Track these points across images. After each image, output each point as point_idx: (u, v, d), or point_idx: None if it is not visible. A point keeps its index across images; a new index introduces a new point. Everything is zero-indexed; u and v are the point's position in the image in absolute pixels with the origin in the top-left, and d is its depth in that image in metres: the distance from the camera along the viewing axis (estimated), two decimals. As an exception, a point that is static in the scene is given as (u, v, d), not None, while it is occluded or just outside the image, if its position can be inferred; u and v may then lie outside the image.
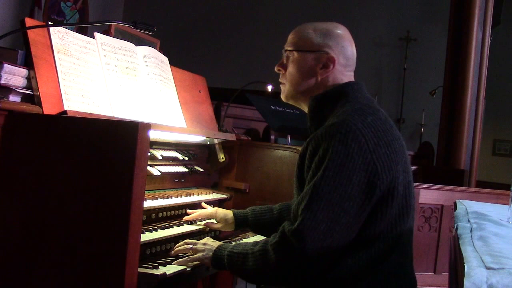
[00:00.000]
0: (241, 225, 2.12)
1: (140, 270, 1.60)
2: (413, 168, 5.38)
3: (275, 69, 1.83)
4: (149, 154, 2.01)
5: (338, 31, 1.76)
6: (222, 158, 2.56)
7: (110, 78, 1.99)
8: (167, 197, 2.07)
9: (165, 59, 2.39)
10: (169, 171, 2.19)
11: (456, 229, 1.59)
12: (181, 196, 2.18)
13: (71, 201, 1.53)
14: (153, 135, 2.03)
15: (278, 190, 2.49)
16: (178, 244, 1.86)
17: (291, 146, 2.60)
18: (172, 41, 6.98)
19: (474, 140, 5.38)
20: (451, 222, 3.72)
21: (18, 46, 1.98)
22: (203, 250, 1.76)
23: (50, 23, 1.97)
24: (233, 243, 1.79)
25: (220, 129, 2.73)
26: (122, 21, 2.25)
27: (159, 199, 2.01)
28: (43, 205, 1.55)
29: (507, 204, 1.87)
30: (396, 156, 1.57)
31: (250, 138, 3.12)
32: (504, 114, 8.21)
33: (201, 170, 2.41)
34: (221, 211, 2.16)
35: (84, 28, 5.99)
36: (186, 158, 2.31)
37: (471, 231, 1.45)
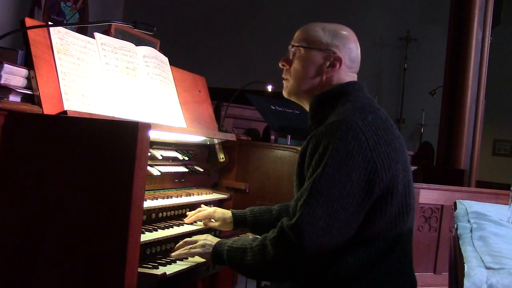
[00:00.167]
0: (240, 225, 2.12)
1: (140, 270, 1.60)
2: (413, 168, 5.38)
3: (280, 64, 1.84)
4: (149, 154, 2.01)
5: (346, 33, 1.78)
6: (222, 158, 2.56)
7: (110, 78, 1.99)
8: (167, 197, 2.07)
9: (165, 59, 2.39)
10: (169, 171, 2.19)
11: (456, 229, 1.59)
12: (181, 196, 2.18)
13: (71, 201, 1.53)
14: (153, 135, 2.03)
15: (278, 190, 2.49)
16: (178, 244, 1.86)
17: (291, 146, 2.60)
18: (172, 41, 6.98)
19: (474, 140, 5.38)
20: (451, 222, 3.72)
21: (18, 46, 1.98)
22: (203, 246, 1.77)
23: (50, 23, 1.97)
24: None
25: (220, 129, 2.73)
26: (122, 21, 2.25)
27: (159, 199, 2.01)
28: (43, 205, 1.55)
29: (507, 204, 1.87)
30: (396, 155, 1.57)
31: (250, 138, 3.12)
32: (504, 114, 8.21)
33: (201, 170, 2.41)
34: (220, 211, 2.17)
35: (84, 28, 5.99)
36: (186, 158, 2.31)
37: (471, 231, 1.45)
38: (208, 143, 2.54)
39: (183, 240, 1.86)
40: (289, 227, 1.51)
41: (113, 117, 1.89)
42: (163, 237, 1.87)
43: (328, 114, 1.68)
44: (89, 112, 1.80)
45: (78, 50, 1.90)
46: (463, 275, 0.99)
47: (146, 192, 1.90)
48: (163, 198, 2.04)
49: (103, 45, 2.03)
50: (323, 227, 1.48)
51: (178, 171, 2.26)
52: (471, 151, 5.36)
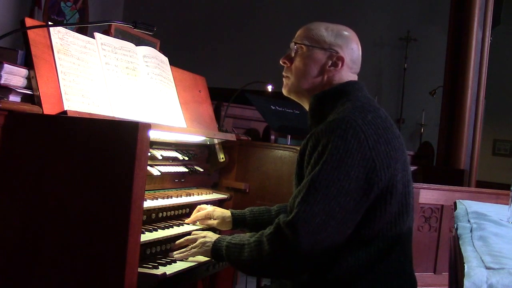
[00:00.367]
0: (239, 225, 2.13)
1: (140, 270, 1.60)
2: (413, 168, 5.39)
3: (281, 61, 1.83)
4: (149, 154, 2.01)
5: (348, 34, 1.79)
6: (222, 158, 2.56)
7: (110, 78, 1.99)
8: (167, 197, 2.07)
9: (165, 59, 2.39)
10: (169, 171, 2.19)
11: (456, 229, 1.59)
12: (181, 196, 2.18)
13: (71, 201, 1.53)
14: (153, 135, 2.03)
15: (278, 190, 2.49)
16: (179, 241, 1.87)
17: (291, 146, 2.60)
18: (172, 41, 6.98)
19: (474, 140, 5.38)
20: (451, 222, 3.72)
21: (18, 46, 1.98)
22: (203, 243, 1.78)
23: (50, 23, 1.97)
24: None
25: (220, 129, 2.73)
26: (122, 21, 2.25)
27: (159, 199, 2.01)
28: (43, 205, 1.55)
29: (507, 204, 1.87)
30: (395, 154, 1.57)
31: (250, 138, 3.12)
32: (504, 114, 8.21)
33: (201, 170, 2.41)
34: (219, 210, 2.17)
35: (84, 28, 5.99)
36: (186, 158, 2.31)
37: (471, 231, 1.45)
38: (208, 143, 2.54)
39: (184, 238, 1.87)
40: (285, 224, 1.51)
41: (113, 117, 1.89)
42: (163, 237, 1.87)
43: (328, 113, 1.68)
44: (89, 112, 1.80)
45: (78, 50, 1.90)
46: (463, 275, 0.99)
47: (146, 192, 1.90)
48: (163, 198, 2.04)
49: (103, 45, 2.03)
50: (319, 224, 1.47)
51: (178, 171, 2.26)
52: (471, 151, 5.36)
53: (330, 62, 1.74)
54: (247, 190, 2.57)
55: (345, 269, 1.55)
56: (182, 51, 7.30)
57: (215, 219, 2.14)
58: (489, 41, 5.48)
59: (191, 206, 2.23)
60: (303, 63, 1.77)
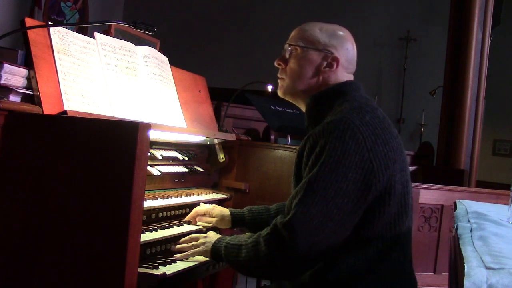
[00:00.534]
0: (238, 224, 2.12)
1: (140, 270, 1.60)
2: (413, 168, 5.39)
3: (275, 63, 1.83)
4: (149, 154, 2.01)
5: (343, 34, 1.78)
6: (222, 158, 2.56)
7: (110, 78, 1.99)
8: (167, 197, 2.07)
9: (165, 59, 2.39)
10: (169, 171, 2.19)
11: (456, 229, 1.59)
12: (181, 196, 2.18)
13: (71, 201, 1.53)
14: (153, 135, 2.03)
15: (278, 190, 2.49)
16: (182, 239, 1.88)
17: (291, 146, 2.60)
18: (172, 41, 6.98)
19: (474, 140, 5.38)
20: (451, 222, 3.72)
21: (18, 46, 1.98)
22: (203, 243, 1.79)
23: (50, 23, 1.97)
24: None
25: (220, 129, 2.73)
26: (122, 21, 2.25)
27: (159, 199, 2.01)
28: (43, 205, 1.55)
29: (507, 204, 1.87)
30: (393, 155, 1.57)
31: (250, 138, 3.12)
32: (504, 114, 8.21)
33: (201, 170, 2.41)
34: (218, 208, 2.17)
35: (84, 28, 5.99)
36: (186, 158, 2.31)
37: (471, 231, 1.45)
38: (208, 143, 2.55)
39: (188, 236, 1.88)
40: (282, 225, 1.50)
41: (113, 117, 1.89)
42: (163, 237, 1.87)
43: (325, 114, 1.68)
44: (89, 112, 1.80)
45: (78, 50, 1.90)
46: (463, 275, 0.99)
47: (146, 192, 1.90)
48: (163, 198, 2.04)
49: (103, 45, 2.03)
50: (317, 226, 1.47)
51: (178, 171, 2.26)
52: (471, 151, 5.36)
53: (325, 63, 1.74)
54: (247, 190, 2.58)
55: (345, 269, 1.54)
56: (182, 51, 7.30)
57: (214, 217, 2.14)
58: (489, 41, 5.48)
59: (191, 206, 2.23)
60: (297, 64, 1.76)
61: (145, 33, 2.15)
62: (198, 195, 2.33)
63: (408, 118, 7.56)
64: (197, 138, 2.44)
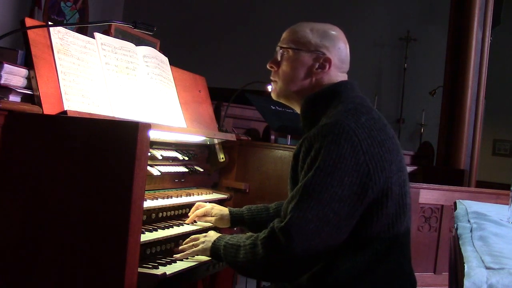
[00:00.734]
0: (237, 223, 2.12)
1: (140, 270, 1.60)
2: (413, 168, 5.39)
3: (267, 66, 1.81)
4: (149, 154, 2.01)
5: (335, 33, 1.76)
6: (222, 158, 2.56)
7: (110, 78, 1.99)
8: (167, 197, 2.07)
9: (165, 59, 2.39)
10: (169, 171, 2.19)
11: (456, 229, 1.59)
12: (181, 196, 2.18)
13: (71, 201, 1.53)
14: (153, 135, 2.03)
15: (278, 190, 2.48)
16: (186, 241, 1.88)
17: (291, 146, 2.60)
18: (172, 41, 6.98)
19: (474, 140, 5.38)
20: (451, 222, 3.72)
21: (18, 46, 1.98)
22: (203, 242, 1.79)
23: (50, 23, 1.97)
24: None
25: (220, 129, 2.73)
26: (122, 21, 2.25)
27: (159, 199, 2.01)
28: (43, 205, 1.55)
29: (507, 204, 1.87)
30: (390, 156, 1.55)
31: (250, 138, 3.12)
32: (504, 114, 8.21)
33: (201, 170, 2.41)
34: (218, 207, 2.17)
35: (84, 28, 5.99)
36: (186, 158, 2.31)
37: (471, 231, 1.45)
38: (208, 143, 2.55)
39: (190, 237, 1.88)
40: (279, 229, 1.50)
41: (113, 117, 1.89)
42: (163, 237, 1.87)
43: (320, 115, 1.66)
44: (89, 112, 1.80)
45: (78, 50, 1.90)
46: (463, 275, 0.99)
47: (146, 192, 1.90)
48: (163, 198, 2.04)
49: (103, 45, 2.03)
50: (313, 230, 1.46)
51: (178, 171, 2.26)
52: (471, 151, 5.36)
53: (317, 64, 1.72)
54: (247, 190, 2.58)
55: (344, 272, 1.54)
56: (182, 51, 7.30)
57: (213, 216, 2.14)
58: (489, 41, 5.49)
59: (191, 206, 2.23)
60: (290, 67, 1.75)
61: (145, 33, 2.15)
62: (198, 195, 2.33)
63: (408, 118, 7.56)
64: (197, 138, 2.44)
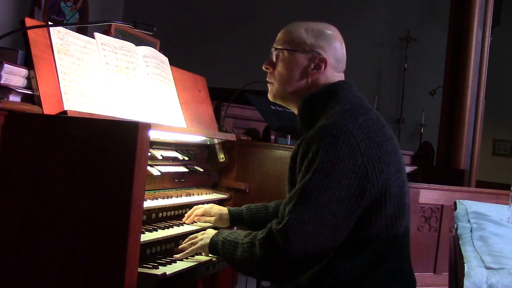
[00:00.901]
0: (236, 222, 2.12)
1: (140, 270, 1.60)
2: (413, 168, 5.39)
3: (263, 67, 1.80)
4: (149, 154, 2.01)
5: (330, 32, 1.74)
6: (222, 158, 2.56)
7: (110, 78, 1.99)
8: (167, 197, 2.07)
9: (165, 59, 2.39)
10: (169, 171, 2.19)
11: (456, 229, 1.59)
12: (181, 196, 2.18)
13: (71, 201, 1.53)
14: (153, 135, 2.03)
15: (278, 190, 2.48)
16: (184, 241, 1.89)
17: (291, 146, 2.59)
18: (172, 41, 6.98)
19: (474, 140, 5.38)
20: (451, 222, 3.72)
21: (18, 46, 1.98)
22: (201, 239, 1.80)
23: (50, 23, 1.97)
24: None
25: (220, 129, 2.73)
26: (122, 21, 2.25)
27: (159, 199, 2.01)
28: (43, 205, 1.55)
29: (507, 204, 1.87)
30: (388, 157, 1.54)
31: (250, 138, 3.12)
32: (504, 114, 8.21)
33: (201, 170, 2.41)
34: (216, 207, 2.17)
35: (84, 28, 5.99)
36: (186, 158, 2.31)
37: (471, 231, 1.45)
38: (208, 143, 2.55)
39: (188, 237, 1.89)
40: (277, 231, 1.49)
41: (113, 117, 1.89)
42: (163, 237, 1.87)
43: (318, 116, 1.65)
44: (89, 112, 1.80)
45: (78, 50, 1.90)
46: (463, 275, 0.99)
47: (146, 192, 1.90)
48: (163, 198, 2.04)
49: (103, 45, 2.03)
50: (310, 232, 1.46)
51: (178, 171, 2.26)
52: (471, 151, 5.36)
53: (312, 65, 1.71)
54: (247, 190, 2.58)
55: (343, 273, 1.53)
56: (182, 51, 7.30)
57: (212, 216, 2.14)
58: (489, 41, 5.49)
59: (191, 206, 2.23)
60: (285, 68, 1.74)
61: (145, 33, 2.15)
62: (198, 195, 2.33)
63: (408, 118, 7.56)
64: (197, 138, 2.44)
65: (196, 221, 2.17)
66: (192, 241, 1.85)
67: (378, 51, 7.56)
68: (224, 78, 6.67)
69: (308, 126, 1.67)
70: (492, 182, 6.70)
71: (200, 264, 1.85)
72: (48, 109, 1.69)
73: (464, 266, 1.01)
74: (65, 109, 1.71)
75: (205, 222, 2.17)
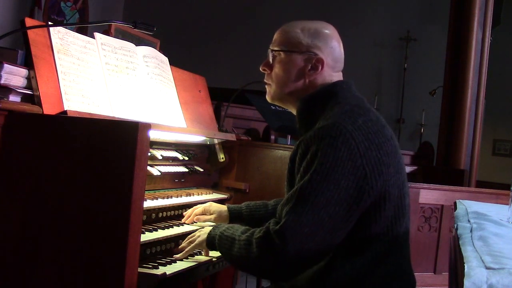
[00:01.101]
0: (236, 220, 2.12)
1: (140, 270, 1.60)
2: (413, 168, 5.39)
3: (260, 68, 1.79)
4: (149, 154, 2.01)
5: (327, 31, 1.72)
6: (222, 158, 2.56)
7: (110, 78, 1.99)
8: (167, 197, 2.07)
9: (165, 59, 2.39)
10: (169, 171, 2.19)
11: (456, 229, 1.59)
12: (181, 196, 2.18)
13: (71, 201, 1.53)
14: (153, 135, 2.03)
15: (278, 190, 2.48)
16: (183, 241, 1.89)
17: (291, 146, 2.59)
18: (172, 41, 6.98)
19: (474, 140, 5.38)
20: (451, 222, 3.72)
21: (18, 46, 1.99)
22: (199, 236, 1.80)
23: (50, 23, 1.97)
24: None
25: (220, 129, 2.73)
26: (122, 21, 2.25)
27: (159, 199, 2.01)
28: (43, 205, 1.55)
29: (507, 204, 1.87)
30: (387, 159, 1.53)
31: (250, 138, 3.12)
32: (504, 114, 8.21)
33: (201, 170, 2.41)
34: (215, 205, 2.17)
35: (84, 28, 5.99)
36: (186, 158, 2.31)
37: (471, 231, 1.45)
38: (208, 143, 2.55)
39: (187, 237, 1.89)
40: (274, 232, 1.49)
41: (113, 117, 1.89)
42: (163, 237, 1.87)
43: (317, 117, 1.64)
44: (89, 112, 1.80)
45: (78, 50, 1.90)
46: (463, 275, 0.99)
47: (146, 192, 1.90)
48: (163, 198, 2.04)
49: (103, 45, 2.03)
50: (308, 234, 1.45)
51: (178, 171, 2.26)
52: (471, 151, 5.37)
53: (309, 66, 1.69)
54: (247, 190, 2.58)
55: (343, 275, 1.53)
56: (182, 51, 7.30)
57: (212, 214, 2.14)
58: (489, 41, 5.49)
59: (191, 206, 2.23)
60: (282, 69, 1.72)
61: (145, 33, 2.15)
62: (198, 195, 2.33)
63: (408, 118, 7.56)
64: (197, 138, 2.44)
65: (195, 221, 2.17)
66: (191, 239, 1.85)
67: (378, 51, 7.56)
68: (224, 78, 6.68)
69: (307, 126, 1.66)
70: (492, 182, 6.70)
71: (200, 264, 1.85)
72: (48, 109, 1.69)
73: (464, 266, 1.01)
74: (65, 109, 1.71)
75: (205, 221, 2.17)
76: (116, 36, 2.51)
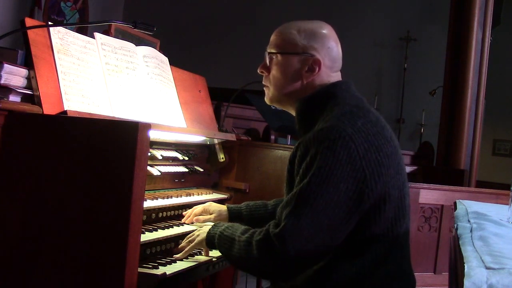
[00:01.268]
0: (235, 219, 2.12)
1: (140, 270, 1.60)
2: (413, 168, 5.39)
3: (258, 71, 1.78)
4: (149, 154, 2.01)
5: (324, 31, 1.70)
6: (222, 158, 2.56)
7: (110, 78, 1.99)
8: (167, 197, 2.07)
9: (165, 59, 2.39)
10: (169, 171, 2.19)
11: (456, 229, 1.59)
12: (181, 196, 2.18)
13: (71, 201, 1.53)
14: (153, 135, 2.03)
15: (278, 190, 2.47)
16: (183, 241, 1.89)
17: (291, 146, 2.59)
18: (172, 41, 6.98)
19: (474, 140, 5.38)
20: (451, 222, 3.72)
21: (18, 46, 1.99)
22: (198, 235, 1.80)
23: (50, 23, 1.97)
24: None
25: (220, 129, 2.73)
26: (122, 21, 2.25)
27: (159, 199, 2.01)
28: (43, 205, 1.55)
29: (507, 204, 1.87)
30: (387, 161, 1.53)
31: (250, 138, 3.11)
32: (504, 114, 8.21)
33: (201, 170, 2.41)
34: (215, 204, 2.17)
35: (84, 28, 5.99)
36: (186, 158, 2.31)
37: (471, 231, 1.45)
38: (208, 143, 2.55)
39: (186, 237, 1.89)
40: (274, 235, 1.49)
41: (113, 117, 1.89)
42: (163, 237, 1.87)
43: (316, 117, 1.63)
44: (89, 112, 1.80)
45: (78, 50, 1.90)
46: (463, 275, 0.99)
47: (146, 192, 1.90)
48: (163, 198, 2.04)
49: (103, 45, 2.03)
50: (307, 237, 1.45)
51: (178, 171, 2.26)
52: (471, 151, 5.37)
53: (306, 67, 1.67)
54: (247, 190, 2.57)
55: (343, 276, 1.53)
56: (182, 51, 7.30)
57: (212, 213, 2.14)
58: (489, 41, 5.49)
59: (191, 206, 2.23)
60: (279, 71, 1.71)
61: (145, 33, 2.15)
62: (198, 195, 2.33)
63: (408, 118, 7.56)
64: (197, 138, 2.44)
65: (195, 221, 2.16)
66: (190, 239, 1.85)
67: (378, 51, 7.56)
68: (224, 78, 6.68)
69: (306, 128, 1.66)
70: (492, 182, 6.70)
71: (200, 264, 1.85)
72: (48, 109, 1.69)
73: (464, 266, 1.01)
74: (65, 109, 1.71)
75: (204, 221, 2.17)
76: (116, 36, 2.51)
